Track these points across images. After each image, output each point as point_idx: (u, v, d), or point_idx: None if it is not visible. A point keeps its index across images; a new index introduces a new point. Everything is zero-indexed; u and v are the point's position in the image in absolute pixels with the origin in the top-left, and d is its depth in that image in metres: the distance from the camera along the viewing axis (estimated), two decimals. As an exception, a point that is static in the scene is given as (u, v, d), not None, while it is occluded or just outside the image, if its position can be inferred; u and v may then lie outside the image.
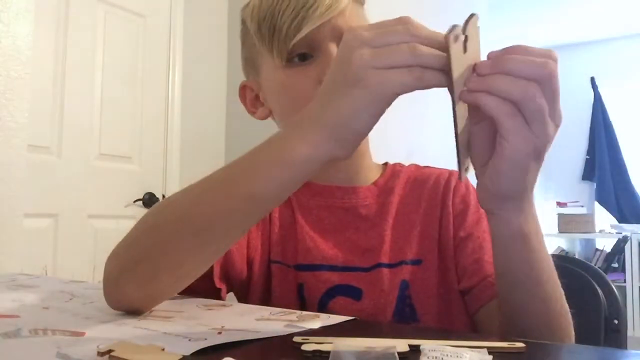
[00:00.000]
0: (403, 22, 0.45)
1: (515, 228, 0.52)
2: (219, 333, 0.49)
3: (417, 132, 2.71)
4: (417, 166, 0.85)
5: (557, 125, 0.45)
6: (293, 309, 0.66)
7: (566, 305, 0.58)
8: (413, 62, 0.43)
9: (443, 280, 0.74)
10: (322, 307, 0.72)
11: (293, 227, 0.77)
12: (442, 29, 0.44)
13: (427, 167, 0.85)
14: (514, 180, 0.48)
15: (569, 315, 0.59)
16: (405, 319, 0.72)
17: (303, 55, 0.69)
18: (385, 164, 0.85)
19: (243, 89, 0.80)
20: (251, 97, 0.79)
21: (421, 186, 0.80)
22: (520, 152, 0.45)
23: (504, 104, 0.43)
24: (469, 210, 0.76)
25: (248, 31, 0.73)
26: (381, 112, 0.45)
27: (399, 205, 0.78)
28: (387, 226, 0.76)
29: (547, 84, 0.43)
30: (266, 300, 0.75)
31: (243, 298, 0.77)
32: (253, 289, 0.75)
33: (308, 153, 0.47)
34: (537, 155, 0.46)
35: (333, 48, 0.68)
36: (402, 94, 0.44)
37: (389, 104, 0.45)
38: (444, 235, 0.75)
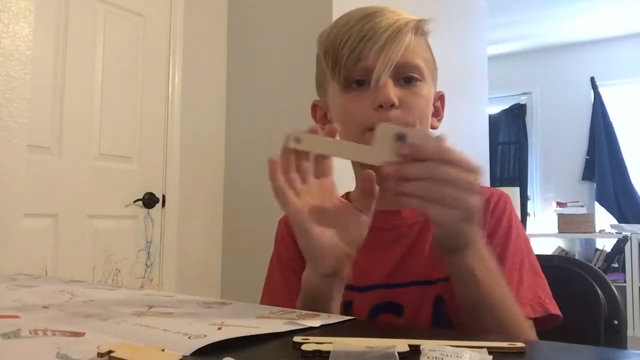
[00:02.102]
0: None
1: (464, 268, 0.64)
2: (219, 329, 0.49)
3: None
4: None
5: (476, 193, 0.58)
6: None
7: (521, 322, 0.68)
8: None
9: None
10: None
11: None
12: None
13: None
14: (449, 239, 0.62)
15: (525, 328, 0.68)
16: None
17: (360, 81, 0.76)
18: None
19: (314, 107, 0.88)
20: (321, 115, 0.87)
21: None
22: (443, 224, 0.60)
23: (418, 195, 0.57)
24: (497, 234, 0.77)
25: (320, 57, 0.82)
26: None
27: None
28: (427, 244, 0.78)
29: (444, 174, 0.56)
30: None
31: None
32: None
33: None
34: (464, 222, 0.59)
35: (387, 80, 0.74)
36: None
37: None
38: None
